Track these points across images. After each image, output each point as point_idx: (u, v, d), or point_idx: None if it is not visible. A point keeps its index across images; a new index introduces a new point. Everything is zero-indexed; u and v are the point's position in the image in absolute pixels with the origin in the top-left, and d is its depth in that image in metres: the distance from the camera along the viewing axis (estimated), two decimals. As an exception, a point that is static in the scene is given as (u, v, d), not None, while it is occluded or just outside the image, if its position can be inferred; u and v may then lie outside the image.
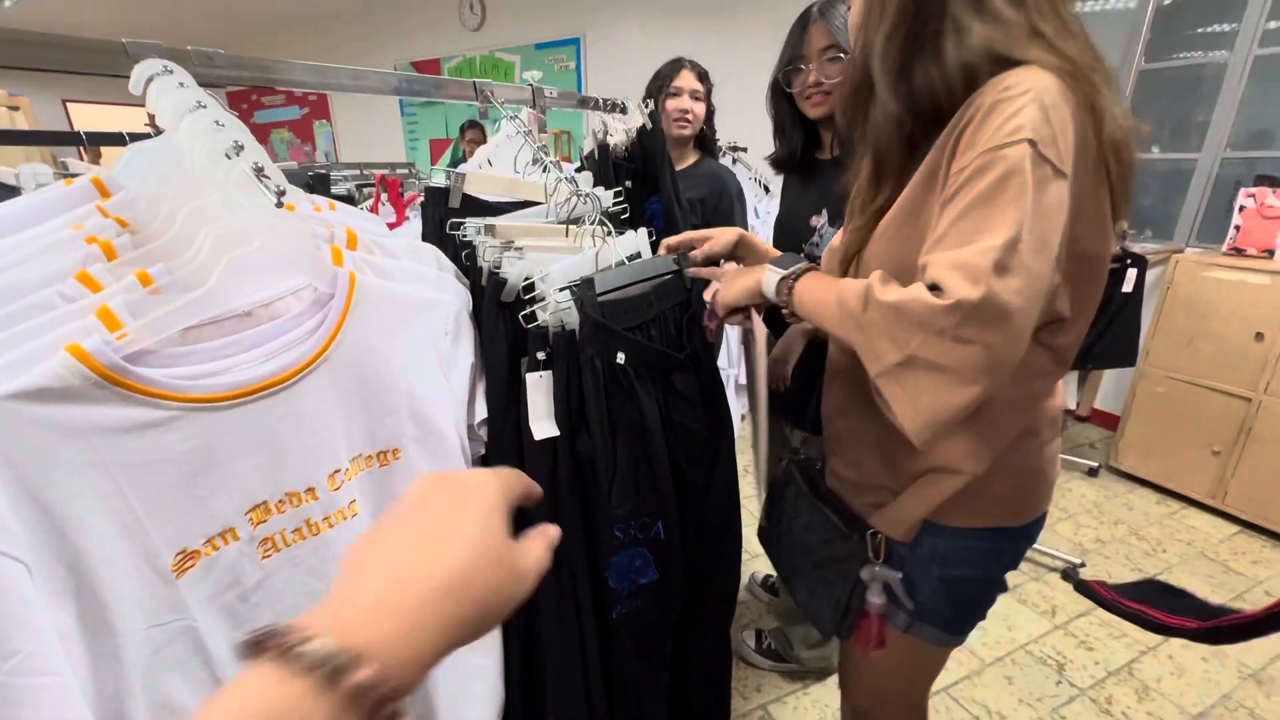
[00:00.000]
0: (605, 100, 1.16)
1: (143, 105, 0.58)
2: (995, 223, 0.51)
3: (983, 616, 0.85)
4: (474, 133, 4.10)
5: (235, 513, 0.55)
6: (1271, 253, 2.15)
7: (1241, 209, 2.24)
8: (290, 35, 6.64)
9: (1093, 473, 2.65)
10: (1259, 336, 2.14)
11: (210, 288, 0.49)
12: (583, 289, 0.75)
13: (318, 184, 1.16)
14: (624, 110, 1.18)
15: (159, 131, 0.58)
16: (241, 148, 0.51)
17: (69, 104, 6.67)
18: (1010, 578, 2.24)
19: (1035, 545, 2.09)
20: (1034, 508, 0.78)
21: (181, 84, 0.56)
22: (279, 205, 0.49)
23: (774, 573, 1.85)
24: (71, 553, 0.44)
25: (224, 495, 0.54)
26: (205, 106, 0.54)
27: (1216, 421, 2.29)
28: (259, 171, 0.50)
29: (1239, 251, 2.25)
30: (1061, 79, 0.55)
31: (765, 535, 1.05)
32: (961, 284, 0.50)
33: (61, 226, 0.52)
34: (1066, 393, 2.60)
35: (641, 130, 1.07)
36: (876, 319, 0.55)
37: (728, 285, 0.78)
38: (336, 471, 0.63)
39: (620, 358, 0.79)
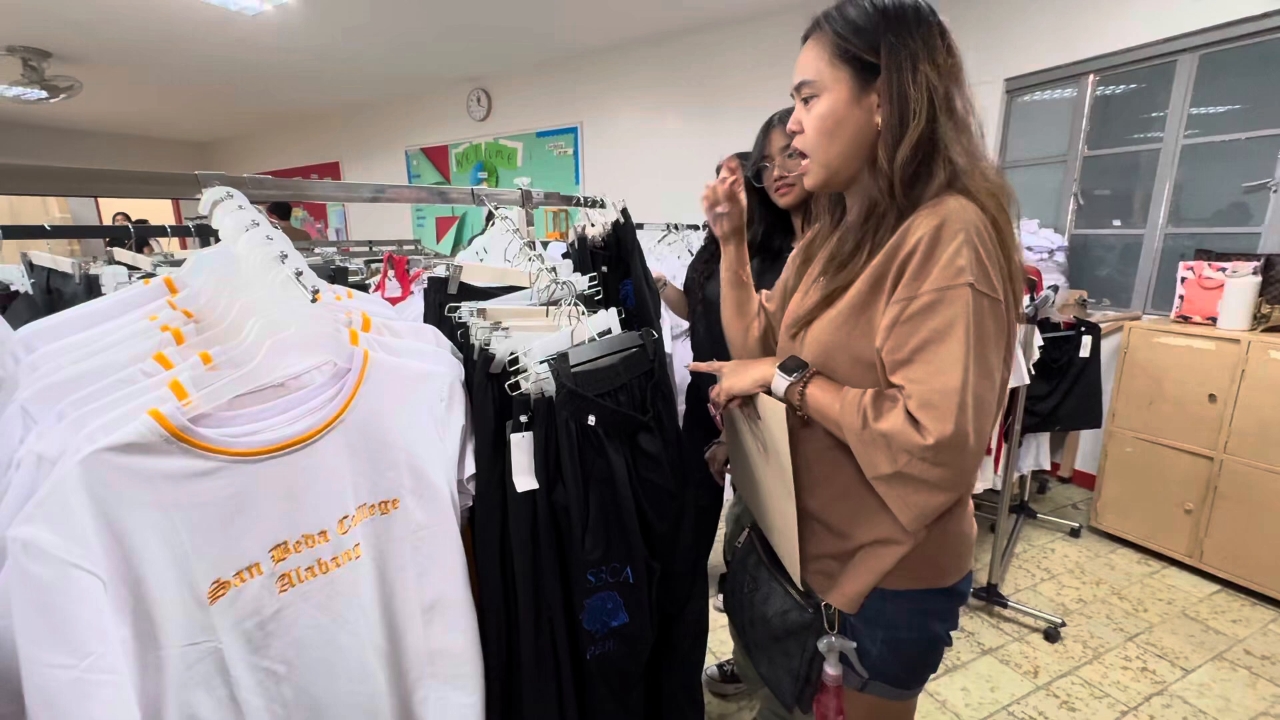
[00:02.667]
0: (586, 198, 1.34)
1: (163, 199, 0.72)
2: (950, 363, 0.65)
3: (933, 670, 0.90)
4: None
5: (261, 550, 0.66)
6: (1214, 320, 2.32)
7: (1184, 280, 2.42)
8: (309, 125, 7.18)
9: (1074, 533, 2.71)
10: (1212, 398, 2.27)
11: (256, 364, 0.63)
12: (558, 362, 0.88)
13: (338, 275, 1.33)
14: (602, 205, 1.36)
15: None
16: (285, 256, 0.66)
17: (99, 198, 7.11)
18: (992, 638, 2.26)
19: (1017, 606, 2.13)
20: (960, 567, 0.84)
21: (240, 206, 0.72)
22: (312, 300, 0.63)
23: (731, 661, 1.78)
24: (134, 576, 0.55)
25: (252, 534, 0.65)
26: (258, 224, 0.69)
27: (1185, 480, 2.38)
28: (298, 275, 0.65)
29: (1186, 319, 2.41)
30: (984, 213, 0.69)
31: (728, 604, 1.09)
32: (934, 423, 0.64)
33: (141, 317, 0.67)
34: (1041, 454, 2.70)
35: (615, 223, 1.25)
36: (873, 438, 0.69)
37: (734, 376, 0.88)
38: (345, 518, 0.74)
39: (591, 419, 0.92)
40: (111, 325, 0.66)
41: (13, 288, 1.37)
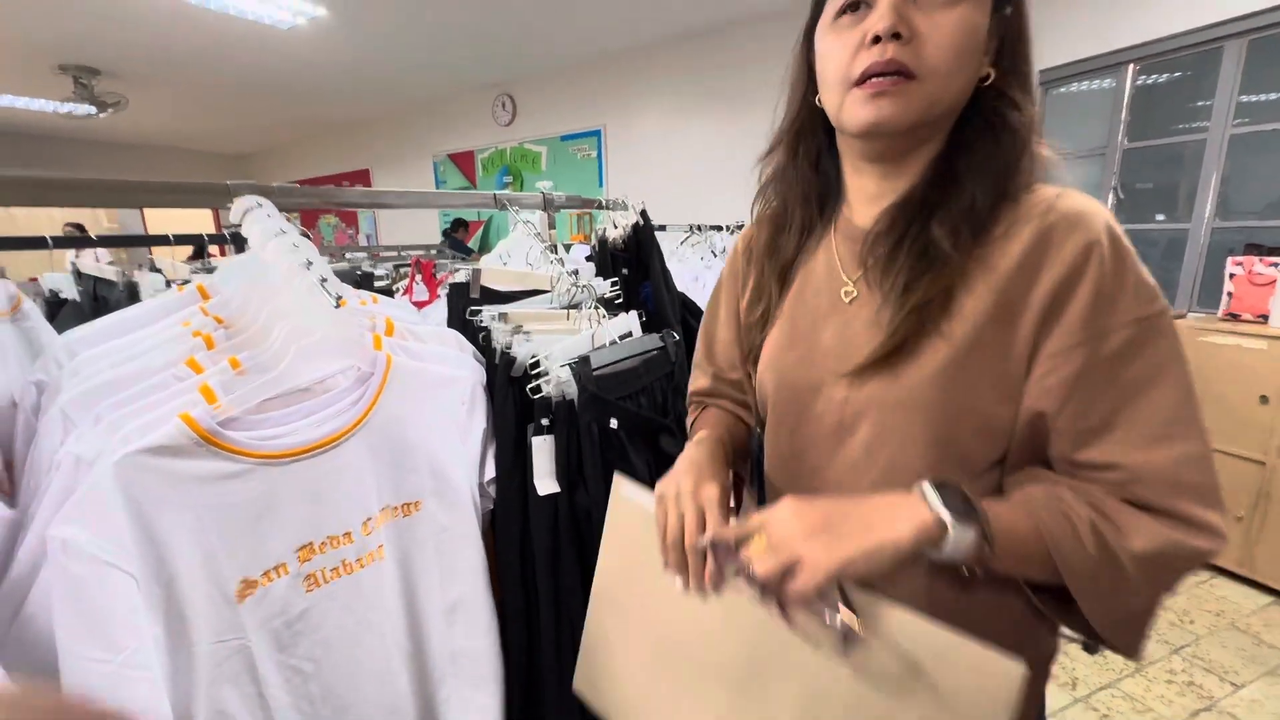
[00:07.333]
0: (609, 200, 1.35)
1: (203, 209, 0.75)
2: (1182, 420, 0.47)
3: None
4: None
5: (287, 550, 0.68)
6: (1265, 318, 2.21)
7: (1232, 276, 2.31)
8: (341, 135, 7.36)
9: (1116, 540, 2.61)
10: (1264, 400, 2.16)
11: (282, 369, 0.65)
12: (581, 366, 0.89)
13: (364, 281, 1.36)
14: (624, 207, 1.36)
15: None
16: (311, 264, 0.68)
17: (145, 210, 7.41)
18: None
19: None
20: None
21: (269, 215, 0.74)
22: (336, 307, 0.65)
23: None
24: (166, 574, 0.57)
25: (279, 535, 0.67)
26: (286, 233, 0.71)
27: (1234, 487, 2.27)
28: (323, 281, 0.66)
29: (1234, 317, 2.30)
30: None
31: None
32: (1207, 515, 0.46)
33: (174, 323, 0.69)
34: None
35: (636, 225, 1.25)
36: (1124, 565, 0.47)
37: (832, 538, 0.47)
38: (368, 519, 0.75)
39: (613, 423, 0.91)
40: (147, 331, 0.69)
41: (61, 295, 1.43)
